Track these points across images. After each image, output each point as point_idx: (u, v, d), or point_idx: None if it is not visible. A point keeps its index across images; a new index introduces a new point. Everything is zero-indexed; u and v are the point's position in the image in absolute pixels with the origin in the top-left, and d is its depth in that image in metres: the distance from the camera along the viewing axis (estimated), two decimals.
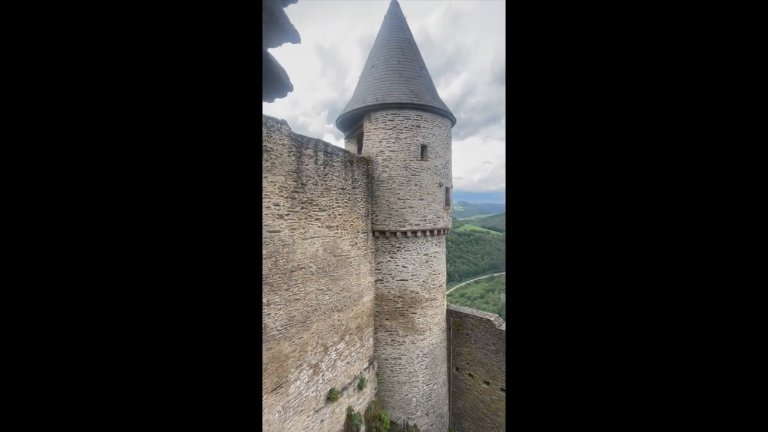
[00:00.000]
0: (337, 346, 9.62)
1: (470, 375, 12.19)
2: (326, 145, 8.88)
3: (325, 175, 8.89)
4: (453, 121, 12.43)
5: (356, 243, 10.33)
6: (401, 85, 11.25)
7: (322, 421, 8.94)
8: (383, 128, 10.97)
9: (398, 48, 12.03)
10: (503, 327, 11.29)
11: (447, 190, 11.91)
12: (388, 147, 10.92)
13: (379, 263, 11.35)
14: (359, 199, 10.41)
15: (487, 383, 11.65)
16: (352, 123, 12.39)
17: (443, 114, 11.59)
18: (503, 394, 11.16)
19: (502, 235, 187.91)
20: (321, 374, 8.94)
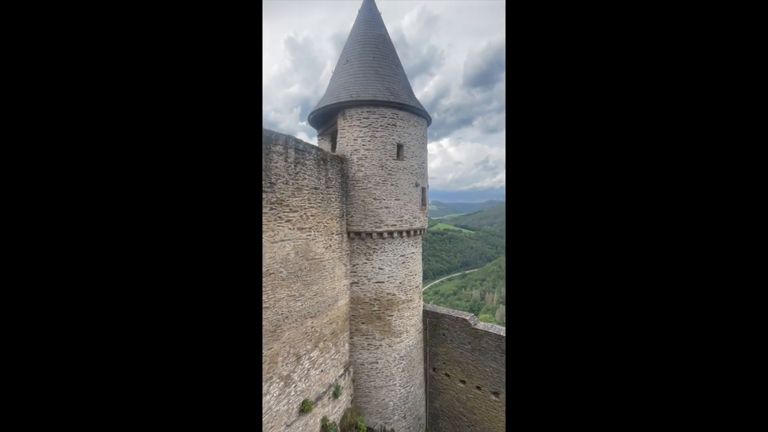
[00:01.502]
0: (311, 355, 9.13)
1: (447, 375, 12.23)
2: (297, 141, 8.35)
3: (297, 173, 8.36)
4: (429, 121, 12.36)
5: (330, 245, 9.89)
6: (377, 82, 10.95)
7: None
8: (358, 126, 10.61)
9: (373, 44, 11.71)
10: (479, 326, 11.42)
11: (423, 190, 11.81)
12: (364, 145, 10.57)
13: (354, 265, 10.99)
14: (333, 200, 9.97)
15: (463, 382, 11.74)
16: (326, 120, 11.88)
17: (419, 113, 11.46)
18: (479, 392, 11.31)
19: (474, 233, 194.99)
20: (293, 386, 8.42)
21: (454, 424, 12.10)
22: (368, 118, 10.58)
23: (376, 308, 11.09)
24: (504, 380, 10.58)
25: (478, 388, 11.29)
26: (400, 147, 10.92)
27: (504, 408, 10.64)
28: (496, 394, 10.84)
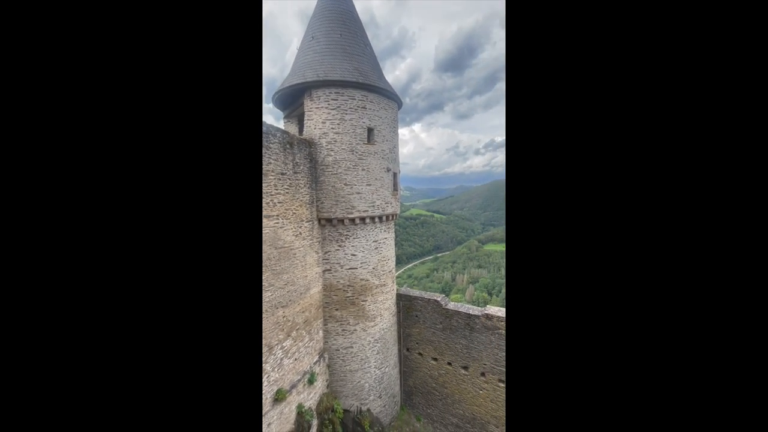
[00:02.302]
0: (283, 344, 8.98)
1: (420, 354, 12.72)
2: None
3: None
4: (399, 105, 12.15)
5: (300, 233, 9.58)
6: (345, 62, 10.46)
7: (269, 425, 8.35)
8: (326, 108, 10.14)
9: (340, 20, 11.08)
10: (449, 306, 11.89)
11: (395, 175, 11.74)
12: (333, 129, 10.17)
13: (326, 253, 10.80)
14: (302, 185, 9.59)
15: (435, 359, 12.30)
16: (292, 100, 11.22)
17: (390, 96, 11.20)
18: (449, 367, 11.92)
19: (445, 217, 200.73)
20: (266, 376, 8.26)
21: (427, 398, 12.74)
22: (336, 100, 10.14)
23: (349, 294, 11.09)
24: (473, 355, 11.22)
25: (449, 364, 11.89)
26: (370, 131, 10.66)
27: (473, 380, 11.34)
28: (465, 368, 11.50)
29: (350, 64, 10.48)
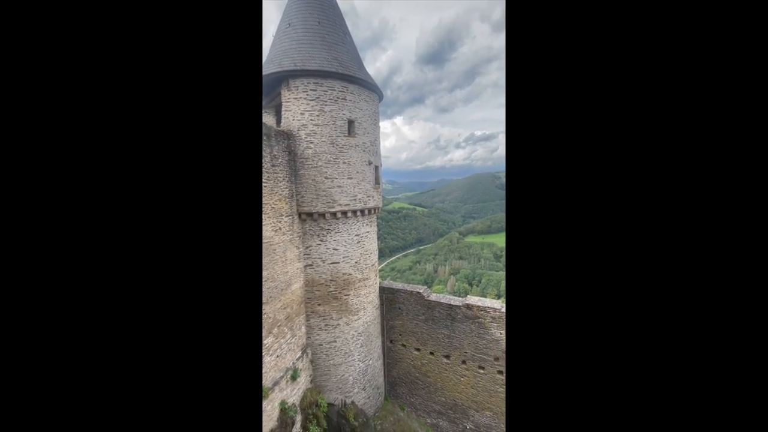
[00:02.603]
0: (265, 342, 8.79)
1: (403, 345, 12.91)
2: None
3: None
4: (380, 97, 11.99)
5: (280, 228, 9.32)
6: (324, 51, 10.13)
7: None
8: (305, 98, 9.82)
9: (318, 7, 10.68)
10: (431, 297, 12.10)
11: (376, 168, 11.65)
12: (312, 120, 9.89)
13: (308, 247, 10.61)
14: (281, 179, 9.29)
15: (418, 350, 12.53)
16: (269, 90, 10.77)
17: (370, 87, 11.01)
18: (432, 357, 12.20)
19: (427, 210, 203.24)
20: None
21: (410, 388, 13.00)
22: (315, 90, 9.84)
23: (332, 289, 10.99)
24: (454, 344, 11.53)
25: (432, 353, 12.17)
26: (351, 123, 10.46)
27: (454, 368, 11.68)
28: (447, 357, 11.81)
29: (329, 53, 10.17)
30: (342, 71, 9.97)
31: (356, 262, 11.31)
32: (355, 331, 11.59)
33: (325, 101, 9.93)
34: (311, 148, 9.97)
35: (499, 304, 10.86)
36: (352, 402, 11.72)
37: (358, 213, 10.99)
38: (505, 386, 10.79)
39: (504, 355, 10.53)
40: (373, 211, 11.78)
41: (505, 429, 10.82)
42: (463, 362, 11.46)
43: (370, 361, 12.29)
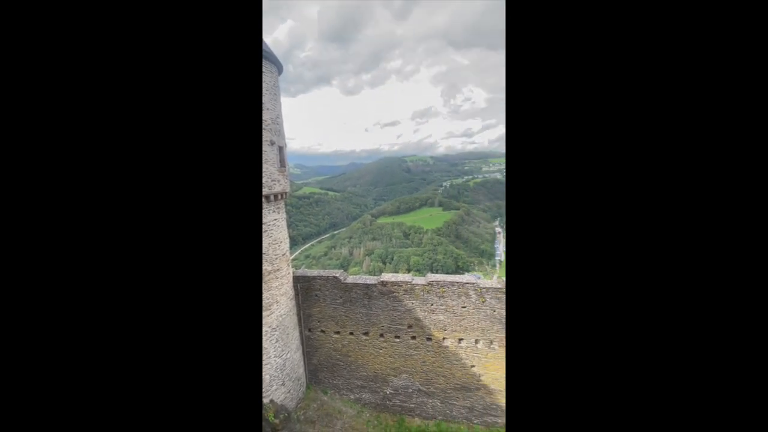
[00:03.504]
0: None
1: (322, 331, 12.77)
2: None
3: None
4: (280, 69, 10.80)
5: None
6: None
7: None
8: None
9: None
10: (348, 280, 12.22)
11: (280, 149, 10.63)
12: None
13: None
14: None
15: (338, 333, 12.63)
16: None
17: (268, 57, 9.74)
18: (352, 337, 12.51)
19: (339, 195, 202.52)
20: None
21: (332, 371, 13.11)
22: None
23: None
24: (372, 320, 12.09)
25: (351, 333, 12.46)
26: None
27: (373, 342, 12.32)
28: (366, 334, 12.32)
29: None
30: None
31: (264, 253, 10.31)
32: (269, 327, 10.76)
33: None
34: None
35: (410, 277, 11.85)
36: (271, 400, 11.04)
37: (263, 199, 9.91)
38: (449, 355, 12.00)
39: (416, 321, 11.67)
40: (279, 197, 10.83)
41: (419, 385, 12.20)
42: (381, 335, 12.18)
43: (288, 355, 11.73)
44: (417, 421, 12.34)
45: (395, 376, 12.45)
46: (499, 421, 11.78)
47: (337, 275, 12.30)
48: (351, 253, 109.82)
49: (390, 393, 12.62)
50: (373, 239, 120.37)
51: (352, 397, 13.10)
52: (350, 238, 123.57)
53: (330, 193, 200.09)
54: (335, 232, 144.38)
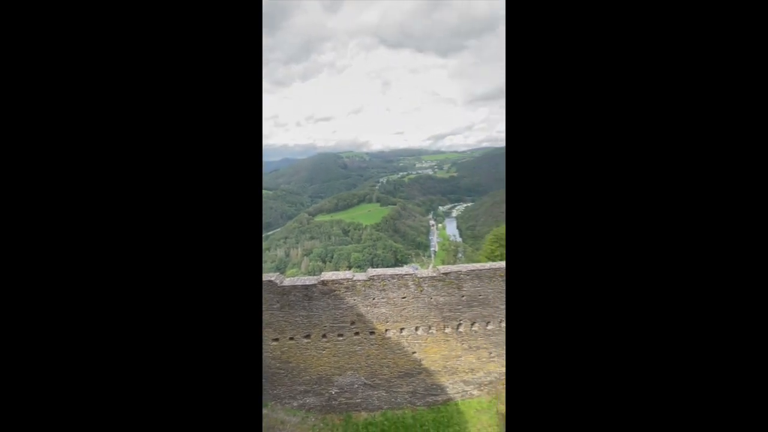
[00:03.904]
0: None
1: None
2: None
3: None
4: None
5: None
6: None
7: None
8: None
9: None
10: (285, 282, 11.54)
11: None
12: None
13: None
14: None
15: (276, 340, 11.86)
16: None
17: None
18: (292, 342, 11.89)
19: (272, 193, 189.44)
20: None
21: (272, 382, 12.28)
22: None
23: None
24: (313, 322, 11.68)
25: (292, 338, 11.84)
26: None
27: (315, 344, 11.94)
28: (307, 336, 11.85)
29: None
30: None
31: None
32: None
33: None
34: None
35: (351, 274, 11.79)
36: None
37: None
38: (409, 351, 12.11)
39: (359, 317, 11.71)
40: None
41: (364, 379, 12.33)
42: (324, 336, 11.88)
43: None
44: (364, 415, 12.49)
45: (340, 375, 12.32)
46: (439, 398, 12.74)
47: (273, 279, 11.49)
48: (287, 255, 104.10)
49: (335, 393, 12.45)
50: (312, 238, 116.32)
51: (295, 404, 12.50)
52: (286, 238, 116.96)
53: (264, 191, 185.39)
54: (269, 232, 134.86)
